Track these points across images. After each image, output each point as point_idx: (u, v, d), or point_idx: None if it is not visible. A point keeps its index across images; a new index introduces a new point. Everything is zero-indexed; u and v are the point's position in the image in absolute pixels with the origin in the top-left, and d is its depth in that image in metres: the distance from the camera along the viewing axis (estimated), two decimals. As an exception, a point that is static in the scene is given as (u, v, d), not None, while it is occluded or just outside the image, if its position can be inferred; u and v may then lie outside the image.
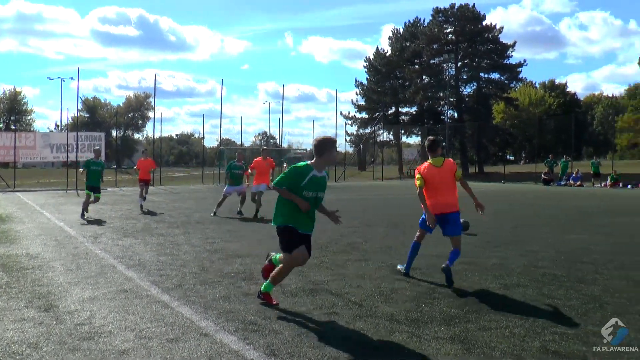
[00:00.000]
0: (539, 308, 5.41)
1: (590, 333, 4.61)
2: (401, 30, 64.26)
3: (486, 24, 58.31)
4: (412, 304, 5.47)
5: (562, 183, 37.29)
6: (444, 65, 60.53)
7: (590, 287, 6.30)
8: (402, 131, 63.44)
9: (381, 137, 61.80)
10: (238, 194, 14.96)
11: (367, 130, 64.72)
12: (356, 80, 67.12)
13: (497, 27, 58.35)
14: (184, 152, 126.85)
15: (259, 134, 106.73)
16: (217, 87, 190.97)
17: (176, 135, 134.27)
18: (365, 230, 11.48)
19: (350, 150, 68.16)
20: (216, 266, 7.48)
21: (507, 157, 75.29)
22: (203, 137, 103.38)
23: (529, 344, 4.34)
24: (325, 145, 5.34)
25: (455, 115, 61.11)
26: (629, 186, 33.73)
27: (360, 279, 6.63)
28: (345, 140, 63.79)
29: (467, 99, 61.33)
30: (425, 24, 61.49)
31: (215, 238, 10.26)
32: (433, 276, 6.79)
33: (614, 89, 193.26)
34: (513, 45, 58.89)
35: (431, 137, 6.94)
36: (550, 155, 41.03)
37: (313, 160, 5.38)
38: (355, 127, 66.20)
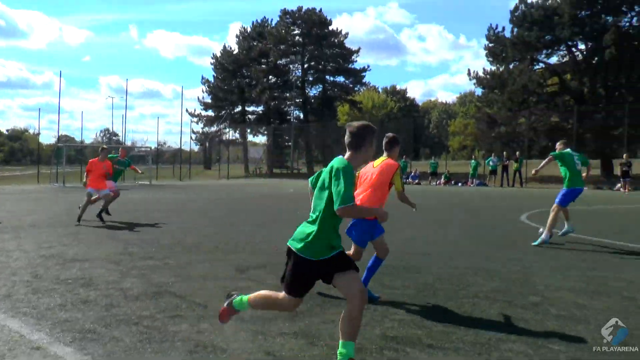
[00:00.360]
0: (380, 298, 5.70)
1: (425, 317, 4.99)
2: (249, 29, 64.40)
3: (332, 29, 60.31)
4: (259, 302, 5.50)
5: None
6: (291, 66, 61.70)
7: (425, 276, 6.77)
8: (249, 130, 63.67)
9: (227, 136, 61.58)
10: (112, 193, 13.76)
11: (214, 129, 64.12)
12: (203, 78, 66.25)
13: (343, 32, 60.60)
14: (16, 149, 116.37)
15: (101, 130, 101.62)
16: (54, 79, 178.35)
17: (7, 130, 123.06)
18: (210, 230, 11.34)
19: (196, 148, 67.09)
20: (52, 273, 6.95)
21: (351, 156, 78.30)
22: (39, 133, 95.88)
23: (369, 332, 4.57)
24: (367, 134, 3.93)
25: (301, 115, 62.52)
26: (459, 184, 36.91)
27: (205, 279, 6.54)
28: (191, 138, 62.76)
29: (312, 100, 63.00)
30: (273, 25, 62.17)
31: (51, 242, 9.54)
32: (278, 273, 6.86)
33: (448, 97, 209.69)
34: (357, 51, 61.51)
35: (389, 134, 6.28)
36: (390, 155, 43.53)
37: (348, 155, 3.96)
38: (201, 125, 65.29)
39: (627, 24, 43.96)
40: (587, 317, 5.11)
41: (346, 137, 3.94)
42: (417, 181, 39.00)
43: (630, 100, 42.13)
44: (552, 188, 33.19)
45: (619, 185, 29.66)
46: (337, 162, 3.82)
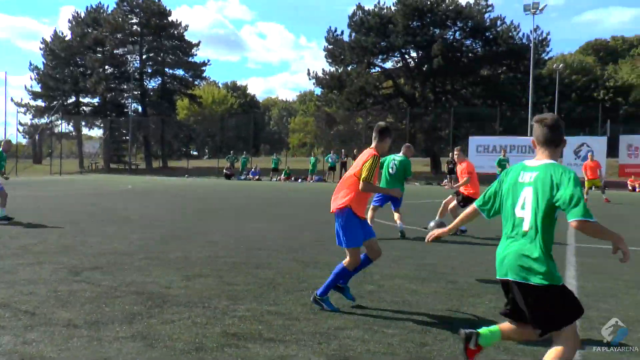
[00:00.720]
0: (220, 295, 5.65)
1: (265, 312, 5.04)
2: (82, 14, 60.45)
3: (172, 20, 58.64)
4: (92, 306, 5.19)
5: (242, 177, 39.73)
6: (128, 56, 59.14)
7: (265, 271, 6.84)
8: (83, 123, 59.93)
9: (60, 128, 57.57)
10: None
11: (44, 120, 59.53)
12: (31, 64, 60.97)
13: (183, 24, 59.13)
14: None
15: None
16: None
17: None
18: (39, 231, 10.50)
19: (24, 141, 61.89)
20: None
21: (191, 152, 77.06)
22: None
23: (210, 330, 4.51)
24: (563, 129, 3.42)
25: (140, 108, 60.24)
26: (299, 180, 37.78)
27: (34, 284, 6.03)
28: (18, 130, 57.70)
29: (151, 93, 60.95)
30: (109, 12, 58.99)
31: None
32: (114, 274, 6.57)
33: (288, 94, 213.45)
34: (198, 45, 60.42)
35: (381, 123, 5.80)
36: (231, 152, 43.43)
37: (547, 154, 3.36)
38: (29, 116, 60.18)
39: (452, 37, 48.17)
40: (419, 301, 5.52)
41: (540, 132, 3.38)
42: (257, 177, 39.28)
43: (455, 105, 46.29)
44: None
45: (445, 180, 32.24)
46: (558, 166, 3.24)
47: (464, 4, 47.13)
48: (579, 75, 62.00)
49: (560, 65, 48.92)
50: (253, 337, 4.36)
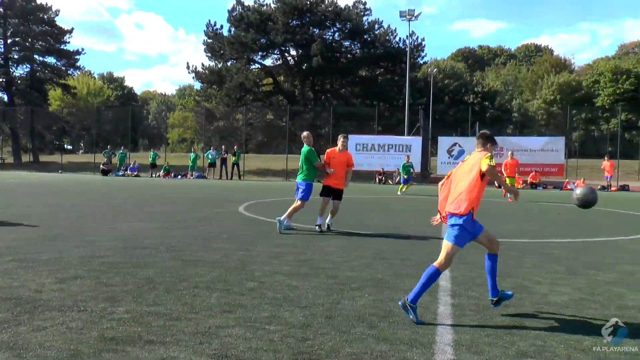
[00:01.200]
0: (97, 297, 5.42)
1: (145, 313, 4.91)
2: None
3: (41, 3, 55.09)
4: (-48, 312, 4.79)
5: (120, 173, 38.24)
6: (-10, 40, 54.93)
7: (145, 271, 6.66)
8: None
9: None
10: None
11: None
12: None
13: (53, 9, 55.71)
14: None
15: None
16: None
17: None
18: None
19: None
20: None
21: (65, 146, 72.94)
22: None
23: (86, 335, 4.33)
24: None
25: (6, 98, 56.13)
26: (179, 176, 37.00)
27: None
28: None
29: (19, 82, 56.98)
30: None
31: None
32: (-22, 277, 6.10)
33: (167, 88, 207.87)
34: (71, 31, 57.23)
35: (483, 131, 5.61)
36: (108, 146, 41.62)
37: None
38: None
39: (331, 37, 49.33)
40: (299, 296, 5.64)
41: None
42: (136, 173, 37.99)
43: (334, 103, 47.43)
44: (269, 180, 35.42)
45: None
46: None
47: (342, 6, 48.36)
48: (451, 80, 65.79)
49: (434, 70, 51.70)
50: (132, 340, 4.25)
